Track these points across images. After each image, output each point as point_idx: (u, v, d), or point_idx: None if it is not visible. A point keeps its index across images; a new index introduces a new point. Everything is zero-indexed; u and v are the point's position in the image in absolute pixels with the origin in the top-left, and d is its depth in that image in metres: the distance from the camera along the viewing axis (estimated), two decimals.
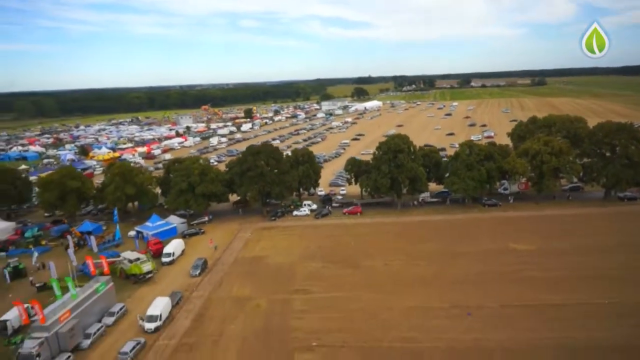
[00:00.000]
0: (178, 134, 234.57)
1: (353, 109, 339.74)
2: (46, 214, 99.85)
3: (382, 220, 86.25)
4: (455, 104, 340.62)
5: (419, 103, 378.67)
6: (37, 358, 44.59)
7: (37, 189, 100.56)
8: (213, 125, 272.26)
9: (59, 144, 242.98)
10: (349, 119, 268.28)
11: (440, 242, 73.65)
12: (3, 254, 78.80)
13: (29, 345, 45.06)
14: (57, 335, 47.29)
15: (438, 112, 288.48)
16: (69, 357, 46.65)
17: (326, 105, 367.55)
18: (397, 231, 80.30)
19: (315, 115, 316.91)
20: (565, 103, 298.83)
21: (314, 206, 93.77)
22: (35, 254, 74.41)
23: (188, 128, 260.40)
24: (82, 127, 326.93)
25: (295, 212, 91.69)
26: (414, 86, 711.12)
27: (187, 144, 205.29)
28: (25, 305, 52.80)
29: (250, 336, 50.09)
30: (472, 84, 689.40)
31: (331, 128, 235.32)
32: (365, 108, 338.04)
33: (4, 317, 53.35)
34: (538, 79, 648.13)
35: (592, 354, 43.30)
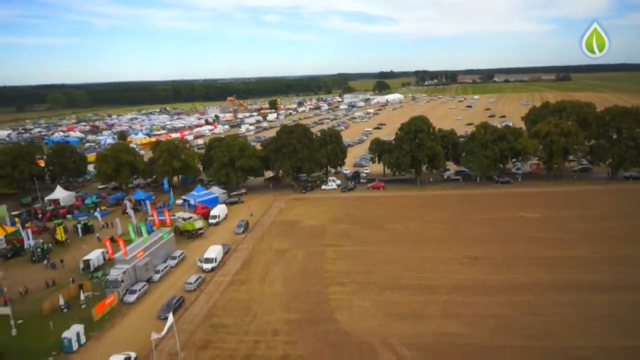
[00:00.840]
0: (207, 122, 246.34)
1: (375, 101, 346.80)
2: (100, 186, 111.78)
3: (402, 193, 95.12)
4: (476, 97, 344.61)
5: (440, 96, 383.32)
6: (121, 283, 55.22)
7: (91, 165, 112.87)
8: (240, 115, 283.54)
9: (96, 130, 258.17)
10: (371, 110, 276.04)
11: (455, 211, 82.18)
12: (70, 216, 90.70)
13: (115, 273, 55.76)
14: (135, 268, 57.93)
15: (459, 105, 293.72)
16: (144, 285, 57.19)
17: (348, 98, 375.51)
18: (416, 202, 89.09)
19: (337, 106, 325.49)
20: (587, 97, 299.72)
21: (339, 182, 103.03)
22: (99, 216, 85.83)
23: (217, 117, 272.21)
24: (114, 116, 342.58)
25: (323, 187, 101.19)
26: (435, 81, 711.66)
27: (216, 131, 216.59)
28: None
29: (291, 275, 59.84)
30: (495, 79, 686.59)
31: (354, 118, 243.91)
32: (387, 100, 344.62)
33: (87, 257, 64.41)
34: (563, 75, 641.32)
35: (578, 289, 51.53)
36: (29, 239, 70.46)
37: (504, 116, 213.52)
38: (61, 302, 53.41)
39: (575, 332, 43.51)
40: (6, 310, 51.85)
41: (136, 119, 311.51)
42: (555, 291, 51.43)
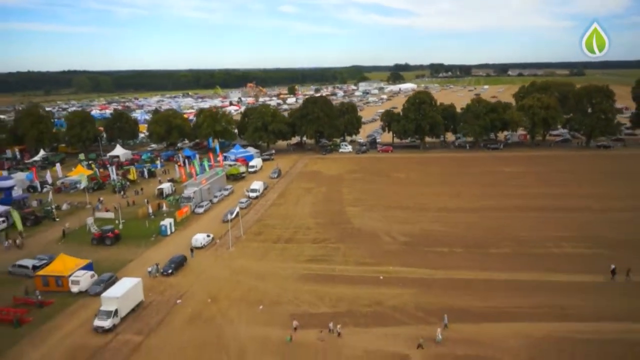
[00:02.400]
0: (232, 104, 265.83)
1: (388, 89, 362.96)
2: (151, 146, 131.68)
3: (407, 155, 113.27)
4: (486, 87, 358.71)
5: (452, 87, 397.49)
6: (192, 199, 74.48)
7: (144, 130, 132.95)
8: (260, 99, 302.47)
9: (127, 110, 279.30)
10: (384, 97, 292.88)
11: (449, 166, 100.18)
12: (132, 166, 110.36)
13: (188, 192, 75.09)
14: (201, 191, 77.19)
15: (468, 93, 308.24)
16: (208, 203, 76.38)
17: (363, 86, 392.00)
18: (418, 161, 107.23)
19: (352, 93, 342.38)
20: None
21: (350, 147, 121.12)
22: (159, 164, 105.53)
23: (240, 99, 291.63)
24: (140, 99, 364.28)
25: (340, 149, 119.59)
26: (450, 73, 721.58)
27: (241, 111, 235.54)
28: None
29: (317, 202, 78.55)
30: (509, 73, 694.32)
31: (367, 102, 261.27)
32: (399, 89, 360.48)
33: (161, 187, 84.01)
34: (577, 70, 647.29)
35: (540, 210, 69.31)
36: (112, 175, 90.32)
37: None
38: (150, 210, 72.88)
39: (524, 228, 61.59)
40: (109, 215, 71.72)
41: (162, 101, 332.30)
42: (520, 211, 69.26)
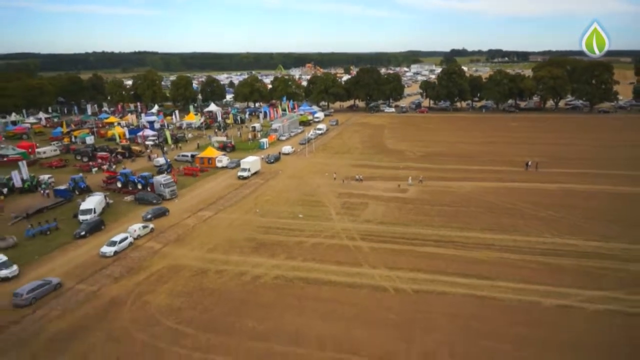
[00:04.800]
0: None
1: (438, 71, 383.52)
2: (236, 105, 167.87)
3: (438, 115, 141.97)
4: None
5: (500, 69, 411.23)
6: (277, 131, 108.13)
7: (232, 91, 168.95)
8: None
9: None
10: (433, 77, 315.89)
11: (469, 122, 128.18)
12: (226, 115, 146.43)
13: (275, 125, 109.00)
14: (282, 127, 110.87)
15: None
16: (288, 135, 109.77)
17: (415, 68, 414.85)
18: (444, 119, 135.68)
19: (404, 74, 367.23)
20: None
21: (394, 109, 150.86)
22: (247, 115, 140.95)
23: (300, 77, 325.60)
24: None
25: (385, 110, 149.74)
26: (506, 59, 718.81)
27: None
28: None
29: (364, 136, 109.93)
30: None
31: (416, 80, 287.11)
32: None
33: (254, 125, 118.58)
34: None
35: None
36: (219, 118, 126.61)
37: None
38: (250, 137, 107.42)
39: (500, 150, 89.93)
40: (223, 138, 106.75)
41: (230, 77, 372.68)
42: (505, 143, 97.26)
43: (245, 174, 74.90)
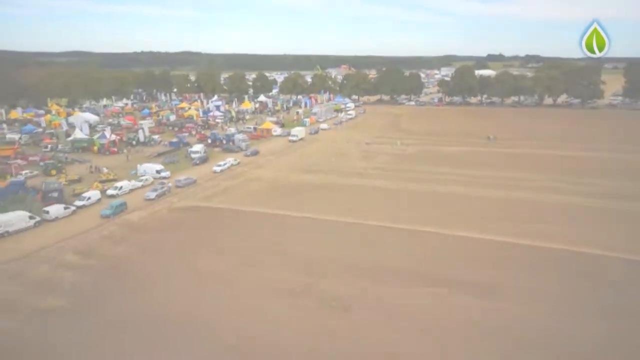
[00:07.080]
0: None
1: None
2: (280, 97, 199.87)
3: (450, 107, 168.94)
4: None
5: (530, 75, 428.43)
6: (316, 115, 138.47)
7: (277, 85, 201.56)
8: None
9: None
10: None
11: (474, 112, 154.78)
12: (275, 103, 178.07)
13: (315, 110, 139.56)
14: (321, 112, 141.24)
15: None
16: (325, 119, 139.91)
17: (444, 71, 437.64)
18: (458, 110, 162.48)
19: (433, 76, 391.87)
20: None
21: (414, 102, 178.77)
22: (291, 104, 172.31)
23: (336, 76, 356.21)
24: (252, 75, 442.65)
25: (407, 103, 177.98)
26: (541, 64, 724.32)
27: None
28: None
29: (385, 120, 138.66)
30: (606, 65, 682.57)
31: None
32: (479, 74, 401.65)
33: (298, 110, 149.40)
34: None
35: (502, 125, 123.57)
36: (269, 105, 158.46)
37: None
38: (295, 118, 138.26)
39: (481, 130, 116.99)
40: (274, 119, 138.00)
41: (272, 75, 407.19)
42: (494, 125, 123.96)
43: (294, 138, 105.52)
